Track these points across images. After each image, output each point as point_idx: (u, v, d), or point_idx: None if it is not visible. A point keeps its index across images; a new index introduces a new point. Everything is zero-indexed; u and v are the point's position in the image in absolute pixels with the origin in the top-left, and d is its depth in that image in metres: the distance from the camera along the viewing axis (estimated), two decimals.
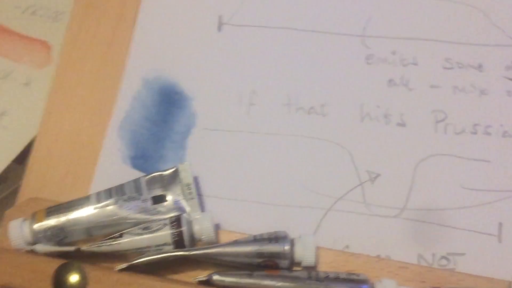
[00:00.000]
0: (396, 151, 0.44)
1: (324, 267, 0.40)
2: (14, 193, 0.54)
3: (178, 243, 0.39)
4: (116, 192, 0.41)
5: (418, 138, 0.44)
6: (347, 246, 0.42)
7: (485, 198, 0.42)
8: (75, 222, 0.41)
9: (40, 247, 0.39)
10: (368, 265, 0.40)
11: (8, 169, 0.51)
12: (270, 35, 0.48)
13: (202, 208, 0.43)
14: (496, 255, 0.41)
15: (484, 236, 0.41)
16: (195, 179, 0.43)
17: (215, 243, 0.40)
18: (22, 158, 0.53)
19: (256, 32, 0.48)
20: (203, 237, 0.40)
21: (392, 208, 0.43)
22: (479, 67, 0.45)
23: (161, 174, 0.42)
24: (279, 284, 0.38)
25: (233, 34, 0.48)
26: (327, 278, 0.38)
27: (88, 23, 0.50)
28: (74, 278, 0.38)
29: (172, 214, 0.41)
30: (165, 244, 0.39)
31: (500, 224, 0.41)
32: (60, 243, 0.41)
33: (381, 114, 0.45)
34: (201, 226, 0.40)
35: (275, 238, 0.39)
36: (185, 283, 0.39)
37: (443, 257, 0.41)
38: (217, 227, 0.42)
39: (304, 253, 0.39)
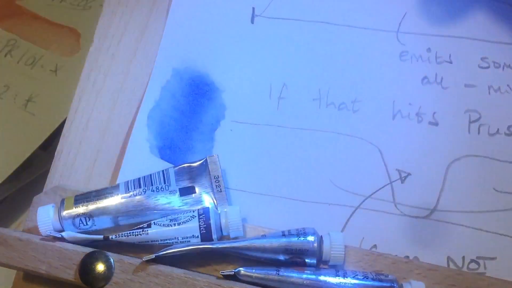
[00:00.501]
0: (427, 151, 0.43)
1: (351, 266, 0.40)
2: (40, 178, 0.54)
3: (205, 235, 0.39)
4: (144, 182, 0.41)
5: (450, 138, 0.43)
6: (375, 246, 0.41)
7: None
8: (103, 211, 0.41)
9: (67, 235, 0.39)
10: (396, 266, 0.39)
11: (33, 155, 0.52)
12: (303, 28, 0.47)
13: (229, 201, 0.43)
14: None
15: None
16: (223, 172, 0.43)
17: (242, 237, 0.40)
18: (47, 145, 0.53)
19: (289, 25, 0.47)
20: (230, 230, 0.39)
21: (422, 209, 0.42)
22: None
23: (190, 166, 0.42)
24: (306, 281, 0.37)
25: (266, 26, 0.48)
26: (355, 278, 0.37)
27: (122, 10, 0.50)
28: (100, 267, 0.38)
29: (199, 206, 0.41)
30: (192, 236, 0.39)
31: None
32: (87, 231, 0.41)
33: (413, 112, 0.44)
34: (229, 219, 0.39)
35: (304, 234, 0.39)
36: (211, 276, 0.39)
37: (473, 261, 0.40)
38: (244, 221, 0.41)
39: (332, 251, 0.38)
